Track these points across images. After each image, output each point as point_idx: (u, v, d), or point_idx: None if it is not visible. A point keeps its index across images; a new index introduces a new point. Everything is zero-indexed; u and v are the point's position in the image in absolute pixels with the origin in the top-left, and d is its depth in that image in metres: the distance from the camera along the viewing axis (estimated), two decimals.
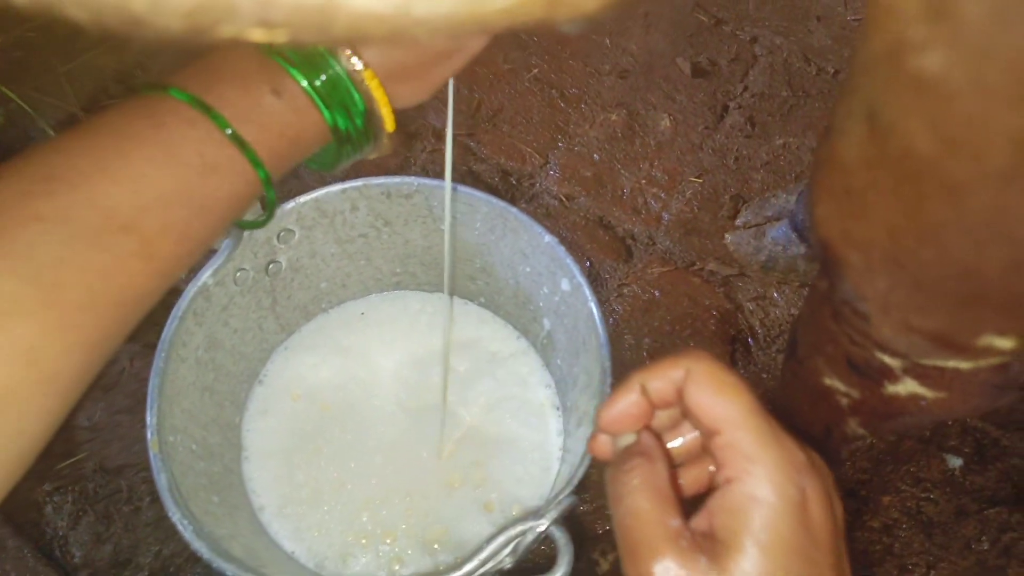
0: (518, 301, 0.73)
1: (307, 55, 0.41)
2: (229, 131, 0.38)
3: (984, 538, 0.82)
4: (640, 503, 0.33)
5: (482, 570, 0.55)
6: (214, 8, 0.18)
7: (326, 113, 0.41)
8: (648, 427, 0.38)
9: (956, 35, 0.17)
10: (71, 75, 1.05)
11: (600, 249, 0.96)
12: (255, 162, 0.39)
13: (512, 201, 1.00)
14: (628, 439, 0.38)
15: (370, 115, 0.43)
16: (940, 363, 0.35)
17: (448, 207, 0.60)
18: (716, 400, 0.33)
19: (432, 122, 1.04)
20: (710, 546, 0.32)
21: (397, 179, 0.67)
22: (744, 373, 0.89)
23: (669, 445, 0.39)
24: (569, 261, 0.63)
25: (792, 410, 0.53)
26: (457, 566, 0.54)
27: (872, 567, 0.80)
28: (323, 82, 0.41)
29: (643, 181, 1.00)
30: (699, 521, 0.34)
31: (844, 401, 0.47)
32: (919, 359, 0.37)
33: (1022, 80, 0.17)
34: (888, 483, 0.84)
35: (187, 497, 0.56)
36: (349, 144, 0.44)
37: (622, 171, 1.01)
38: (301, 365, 0.73)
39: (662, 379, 0.36)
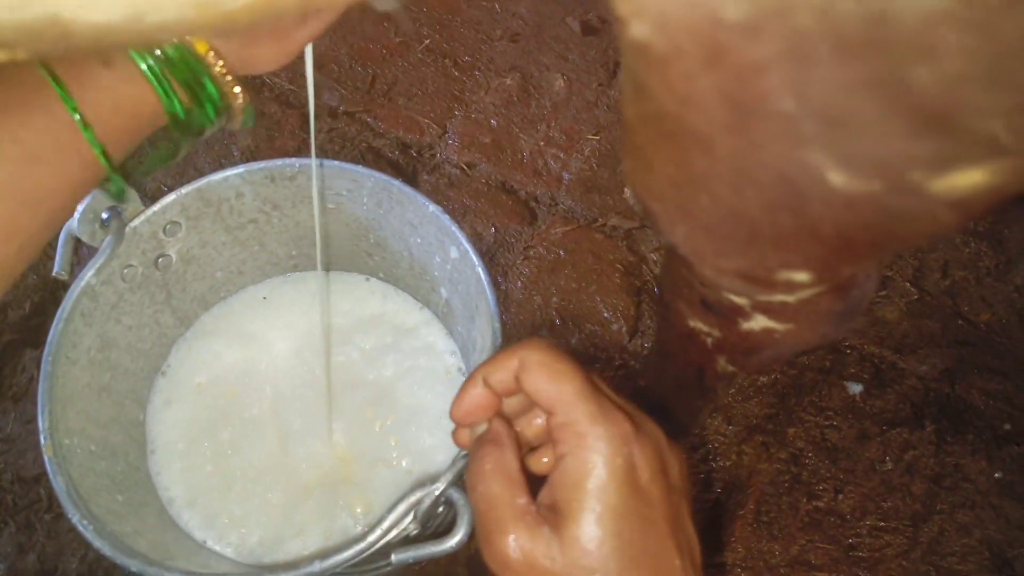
0: (415, 272, 0.74)
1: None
2: (74, 112, 0.37)
3: (887, 458, 0.86)
4: (492, 488, 0.36)
5: (386, 539, 0.56)
6: None
7: (158, 87, 0.40)
8: (500, 414, 0.40)
9: (640, 7, 0.19)
10: None
11: (504, 214, 0.97)
12: (93, 142, 0.38)
13: (414, 173, 1.00)
14: (483, 428, 0.40)
15: (217, 86, 0.42)
16: (768, 298, 0.37)
17: (316, 183, 0.60)
18: (548, 386, 0.36)
19: (328, 102, 1.04)
20: (553, 518, 0.35)
21: (279, 162, 0.67)
22: (651, 322, 0.92)
23: (534, 424, 0.41)
24: (455, 228, 0.64)
25: (668, 353, 0.55)
26: (360, 538, 0.55)
27: (781, 496, 0.84)
28: (156, 56, 0.39)
29: (542, 143, 1.01)
30: (544, 495, 0.37)
31: (709, 341, 0.49)
32: (753, 296, 0.39)
33: (703, 43, 0.18)
34: (793, 415, 0.87)
35: (87, 498, 0.56)
36: (193, 120, 0.43)
37: (520, 135, 1.02)
38: (204, 353, 0.73)
39: (501, 370, 0.38)
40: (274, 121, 1.02)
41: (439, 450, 0.69)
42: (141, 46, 0.21)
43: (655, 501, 0.36)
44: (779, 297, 0.36)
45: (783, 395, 0.88)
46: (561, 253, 0.95)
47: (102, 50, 0.26)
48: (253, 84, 1.04)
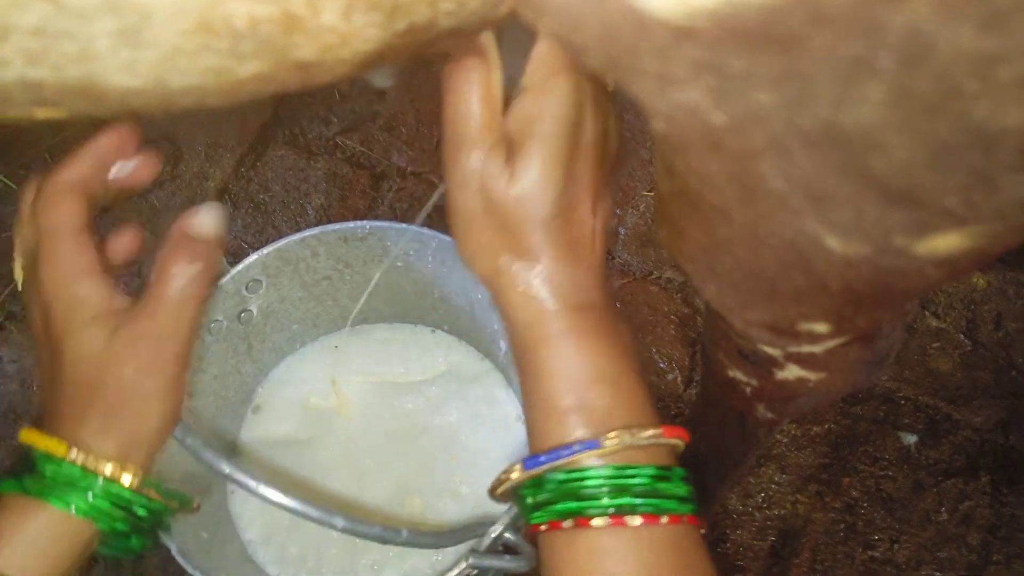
0: (476, 326, 0.78)
1: (65, 477, 0.40)
2: None
3: (943, 509, 0.87)
4: (472, 102, 0.35)
5: None
6: None
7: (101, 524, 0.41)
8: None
9: (654, 110, 0.23)
10: (55, 150, 1.11)
11: None
12: None
13: None
14: None
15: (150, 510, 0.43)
16: (797, 349, 0.40)
17: None
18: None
19: (396, 162, 1.10)
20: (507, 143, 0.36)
21: (351, 224, 0.72)
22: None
23: None
24: None
25: (711, 401, 0.58)
26: None
27: (837, 546, 0.85)
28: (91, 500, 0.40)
29: None
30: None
31: (748, 389, 0.52)
32: (783, 347, 0.42)
33: (705, 137, 0.22)
34: (847, 464, 0.89)
35: (177, 534, 0.61)
36: (136, 535, 0.44)
37: None
38: (280, 402, 0.78)
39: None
40: (346, 181, 1.08)
41: None
42: (161, 111, 0.24)
43: (589, 159, 0.36)
44: (806, 348, 0.39)
45: (837, 445, 0.90)
46: (617, 305, 0.98)
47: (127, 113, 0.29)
48: (327, 146, 1.11)
